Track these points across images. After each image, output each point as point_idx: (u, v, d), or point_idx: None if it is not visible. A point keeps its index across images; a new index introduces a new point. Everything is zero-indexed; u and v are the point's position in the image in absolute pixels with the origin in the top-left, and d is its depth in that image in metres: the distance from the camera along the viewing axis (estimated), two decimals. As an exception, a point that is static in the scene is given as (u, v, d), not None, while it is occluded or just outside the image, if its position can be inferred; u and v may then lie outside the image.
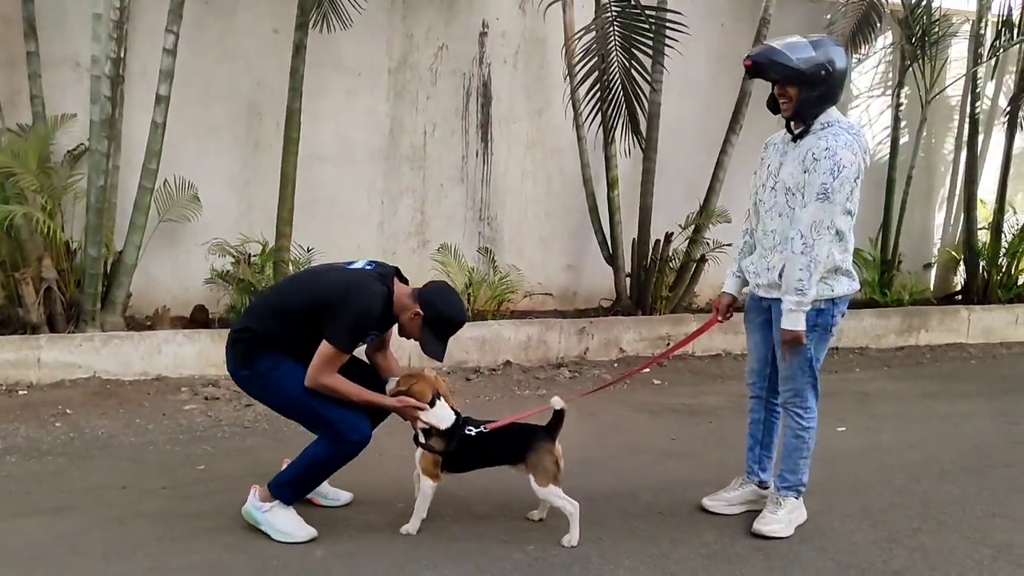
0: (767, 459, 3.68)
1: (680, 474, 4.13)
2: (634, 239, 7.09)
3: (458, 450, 3.27)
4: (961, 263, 8.89)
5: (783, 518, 3.41)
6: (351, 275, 3.27)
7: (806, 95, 3.15)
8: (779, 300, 3.27)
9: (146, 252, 5.93)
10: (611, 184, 6.90)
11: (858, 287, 3.39)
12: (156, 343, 5.48)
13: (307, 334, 3.17)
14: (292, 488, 3.32)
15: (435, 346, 3.27)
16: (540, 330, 6.46)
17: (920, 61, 7.89)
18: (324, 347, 3.14)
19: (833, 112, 3.23)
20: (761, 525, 3.40)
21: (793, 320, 3.20)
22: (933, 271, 9.15)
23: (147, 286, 6.22)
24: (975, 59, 8.24)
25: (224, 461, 4.17)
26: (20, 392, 5.11)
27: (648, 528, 3.48)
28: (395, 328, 3.40)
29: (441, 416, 3.30)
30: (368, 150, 6.80)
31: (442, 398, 3.34)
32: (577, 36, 6.28)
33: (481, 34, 7.00)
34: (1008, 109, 8.44)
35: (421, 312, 3.23)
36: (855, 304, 8.20)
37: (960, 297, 8.77)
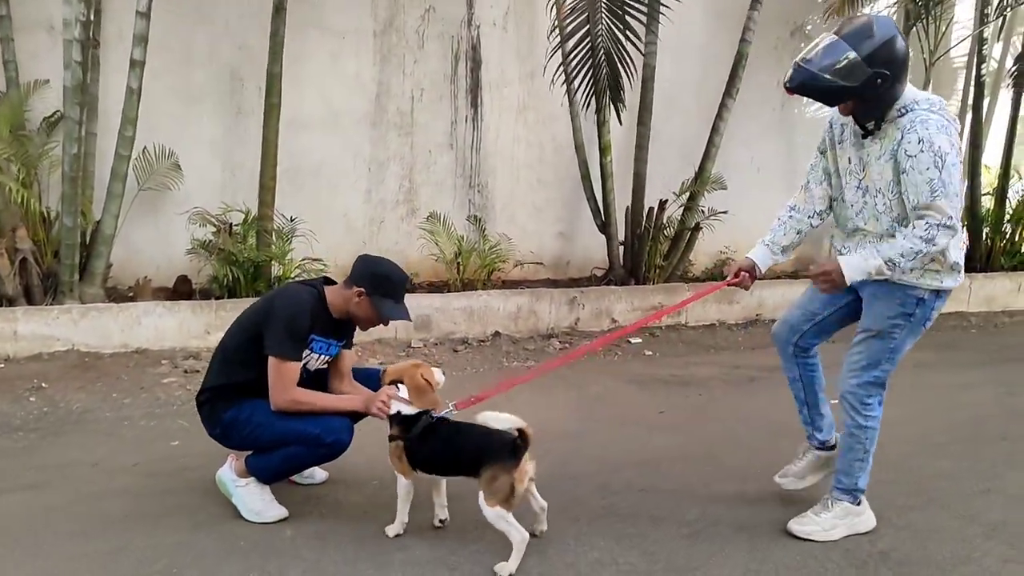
0: (819, 417, 3.38)
1: (665, 449, 4.02)
2: (628, 207, 6.94)
3: (420, 441, 3.02)
4: (964, 230, 8.71)
5: (826, 521, 3.09)
6: (271, 292, 3.28)
7: (860, 103, 2.79)
8: (880, 283, 2.93)
9: (127, 222, 5.81)
10: (603, 150, 6.72)
11: (962, 280, 3.02)
12: (135, 315, 5.37)
13: (262, 369, 3.06)
14: (269, 472, 3.22)
15: (394, 309, 3.17)
16: (530, 300, 6.34)
17: (924, 21, 7.66)
18: (270, 364, 3.03)
19: (909, 92, 2.79)
20: (795, 524, 3.11)
21: (855, 271, 2.81)
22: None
23: (129, 256, 6.11)
24: (981, 19, 7.99)
25: (199, 437, 3.99)
26: (-3, 365, 5.03)
27: (628, 506, 3.38)
28: (348, 356, 3.35)
29: (404, 403, 3.10)
30: (354, 116, 6.64)
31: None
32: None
33: (469, -5, 6.81)
34: (1015, 69, 8.20)
35: (361, 289, 3.13)
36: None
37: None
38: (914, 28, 7.68)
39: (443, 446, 3.00)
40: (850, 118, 2.95)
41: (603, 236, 6.99)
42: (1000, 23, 8.19)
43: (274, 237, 5.84)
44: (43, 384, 4.75)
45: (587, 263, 7.43)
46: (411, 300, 5.91)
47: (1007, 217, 8.39)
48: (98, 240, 5.54)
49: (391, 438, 3.06)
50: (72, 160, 5.16)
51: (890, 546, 3.04)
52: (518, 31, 6.96)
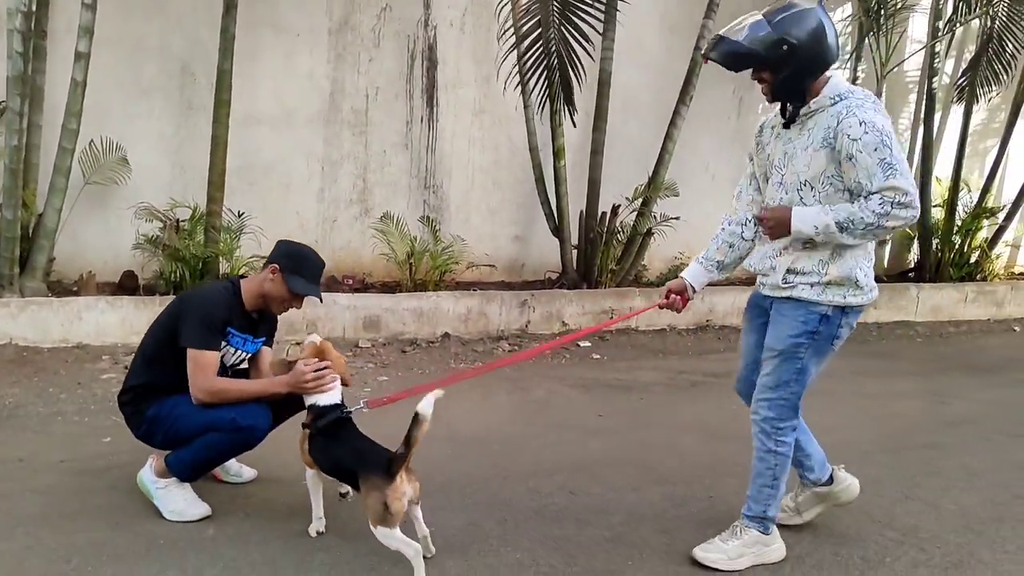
0: (805, 458, 3.20)
1: (600, 453, 4.05)
2: (582, 211, 6.98)
3: (321, 436, 2.97)
4: (915, 241, 8.88)
5: (732, 549, 2.97)
6: (186, 292, 3.30)
7: (777, 77, 2.74)
8: (783, 300, 2.89)
9: (74, 216, 5.74)
10: (557, 154, 6.76)
11: (875, 297, 2.88)
12: (76, 310, 5.31)
13: (181, 369, 3.06)
14: (189, 468, 3.20)
15: (306, 286, 3.15)
16: (480, 302, 6.35)
17: (877, 34, 7.79)
18: (188, 356, 3.05)
19: (841, 82, 2.76)
20: (700, 550, 2.99)
21: (803, 221, 2.72)
22: (887, 248, 9.14)
23: (75, 251, 6.03)
24: (934, 33, 8.14)
25: (131, 435, 4.03)
26: (-69, 359, 4.94)
27: (556, 508, 3.40)
28: (269, 354, 3.34)
29: (325, 395, 3.06)
30: (307, 114, 6.61)
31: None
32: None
33: (427, -5, 6.81)
34: (962, 81, 8.37)
35: (276, 265, 3.14)
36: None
37: (913, 275, 8.76)
38: (866, 41, 7.81)
39: (333, 448, 2.95)
40: (777, 116, 2.91)
41: (557, 240, 7.02)
42: (949, 39, 8.34)
43: (222, 234, 5.80)
44: (-23, 378, 4.68)
45: (542, 266, 7.46)
46: (362, 299, 6.02)
47: (956, 228, 8.54)
48: (40, 234, 5.46)
49: (304, 426, 3.03)
50: (13, 151, 5.09)
51: (806, 551, 3.09)
52: (475, 32, 6.98)
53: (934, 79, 8.19)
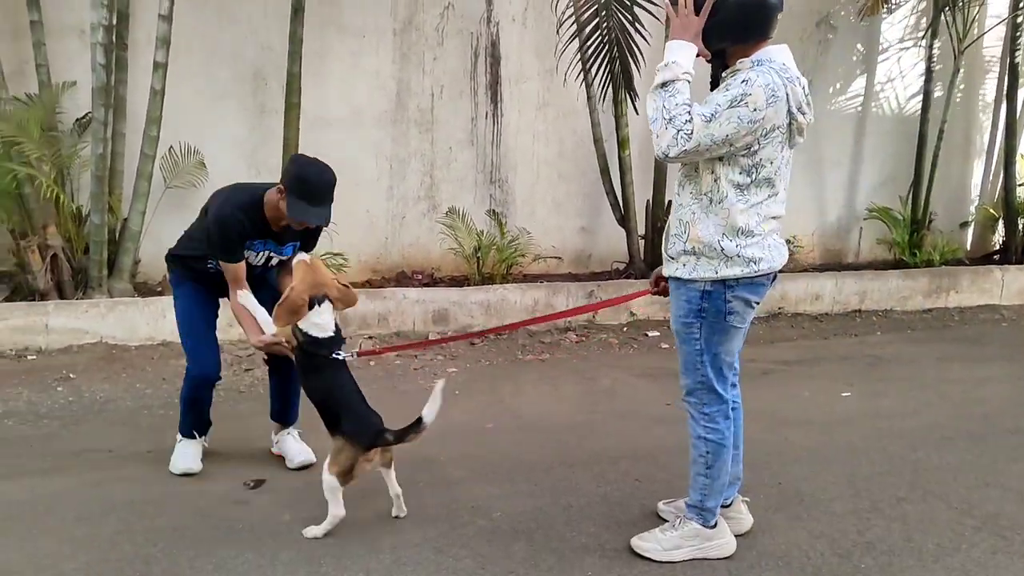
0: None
1: (666, 440, 4.03)
2: (648, 200, 6.94)
3: (309, 360, 3.08)
4: (999, 222, 8.52)
5: (667, 540, 2.86)
6: (223, 191, 3.38)
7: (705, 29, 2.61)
8: (670, 279, 2.81)
9: (156, 219, 5.98)
10: (622, 144, 6.73)
11: (764, 270, 2.68)
12: (161, 308, 5.55)
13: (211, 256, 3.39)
14: (181, 421, 3.64)
15: (304, 210, 3.10)
16: (547, 294, 6.38)
17: (952, 8, 7.50)
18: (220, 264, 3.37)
19: (776, 52, 2.61)
20: (637, 539, 2.92)
21: (670, 49, 2.63)
22: (970, 230, 8.80)
23: (158, 252, 6.13)
24: (1015, 5, 7.79)
25: (213, 425, 4.21)
26: (29, 357, 5.23)
27: (621, 495, 3.42)
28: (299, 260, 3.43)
29: (315, 324, 3.07)
30: (374, 113, 6.74)
31: (328, 302, 3.09)
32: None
33: (488, -9, 6.87)
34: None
35: (282, 187, 3.16)
36: (883, 264, 7.96)
37: (998, 257, 8.42)
38: (942, 16, 7.53)
39: (327, 383, 3.07)
40: None
41: (623, 230, 7.00)
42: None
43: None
44: (71, 375, 4.94)
45: (609, 257, 7.44)
46: (430, 293, 6.12)
47: (1043, 208, 8.17)
48: (126, 237, 5.74)
49: (294, 348, 3.16)
50: (99, 160, 5.35)
51: (879, 536, 3.03)
52: (537, 27, 7.00)
53: (1016, 53, 7.84)
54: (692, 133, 2.50)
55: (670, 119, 2.53)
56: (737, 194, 2.63)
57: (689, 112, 2.52)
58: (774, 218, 2.71)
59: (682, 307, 2.77)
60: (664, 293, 3.02)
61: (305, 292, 3.05)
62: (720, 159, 2.61)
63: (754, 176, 2.62)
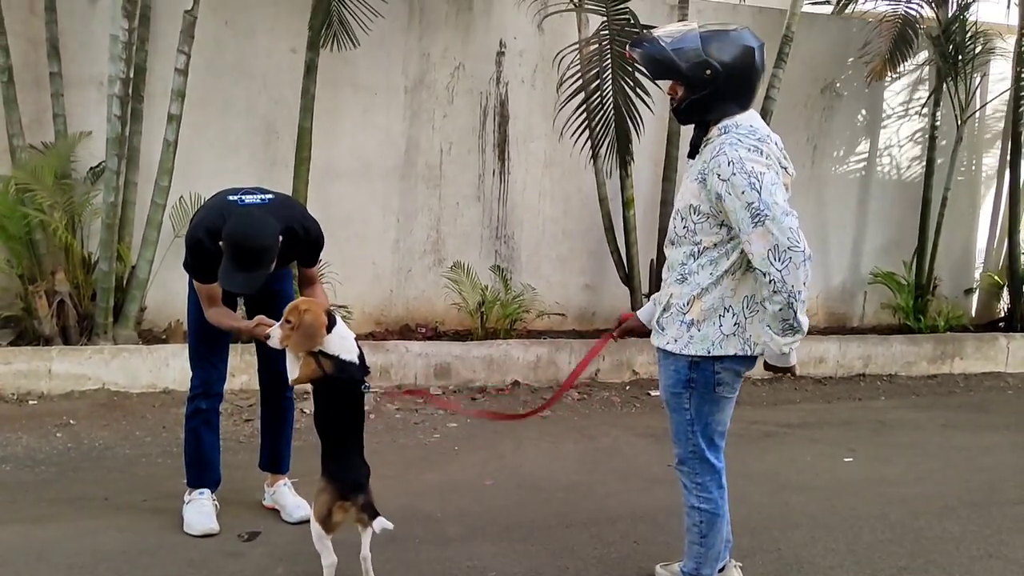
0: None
1: (666, 502, 3.97)
2: (652, 259, 6.99)
3: (326, 384, 2.87)
4: (1004, 289, 8.53)
5: None
6: (208, 202, 3.33)
7: (689, 96, 2.61)
8: (664, 352, 2.76)
9: (165, 267, 6.03)
10: (626, 204, 6.80)
11: (759, 353, 2.65)
12: (164, 356, 5.57)
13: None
14: (185, 470, 3.61)
15: (226, 271, 2.99)
16: (550, 350, 6.39)
17: (955, 79, 7.63)
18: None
19: (738, 116, 2.61)
20: None
21: (778, 357, 2.58)
22: (975, 297, 8.81)
23: (165, 300, 6.32)
24: (1017, 76, 7.92)
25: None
26: (31, 402, 5.24)
27: (619, 557, 3.39)
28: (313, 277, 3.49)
29: (341, 345, 2.87)
30: (383, 168, 6.84)
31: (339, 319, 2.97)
32: (570, 49, 6.27)
33: (498, 53, 7.01)
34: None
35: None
36: (888, 329, 7.95)
37: (1003, 324, 8.40)
38: (944, 87, 7.66)
39: (328, 409, 2.92)
40: None
41: (627, 288, 7.03)
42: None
43: (300, 284, 6.01)
44: (71, 421, 4.94)
45: (613, 314, 7.43)
46: (433, 347, 6.13)
47: (1048, 276, 8.18)
48: (133, 284, 5.79)
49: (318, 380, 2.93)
50: (110, 208, 5.43)
51: (878, 607, 2.99)
52: (546, 88, 7.13)
53: (1020, 123, 7.95)
54: (798, 229, 2.47)
55: (788, 289, 2.45)
56: (749, 267, 2.59)
57: (791, 230, 2.46)
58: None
59: (671, 377, 2.76)
60: (625, 334, 3.10)
61: (320, 310, 2.86)
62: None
63: None
